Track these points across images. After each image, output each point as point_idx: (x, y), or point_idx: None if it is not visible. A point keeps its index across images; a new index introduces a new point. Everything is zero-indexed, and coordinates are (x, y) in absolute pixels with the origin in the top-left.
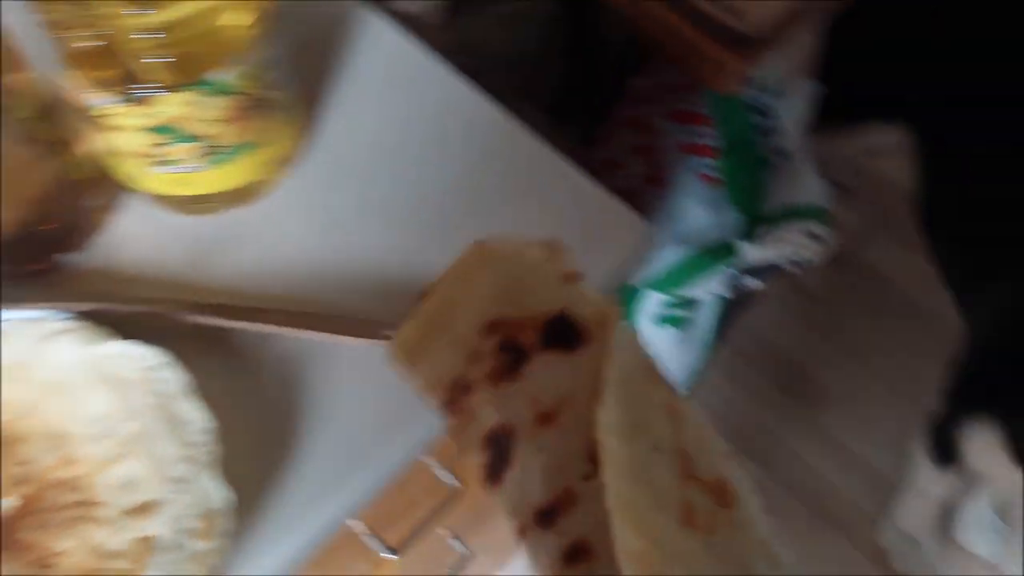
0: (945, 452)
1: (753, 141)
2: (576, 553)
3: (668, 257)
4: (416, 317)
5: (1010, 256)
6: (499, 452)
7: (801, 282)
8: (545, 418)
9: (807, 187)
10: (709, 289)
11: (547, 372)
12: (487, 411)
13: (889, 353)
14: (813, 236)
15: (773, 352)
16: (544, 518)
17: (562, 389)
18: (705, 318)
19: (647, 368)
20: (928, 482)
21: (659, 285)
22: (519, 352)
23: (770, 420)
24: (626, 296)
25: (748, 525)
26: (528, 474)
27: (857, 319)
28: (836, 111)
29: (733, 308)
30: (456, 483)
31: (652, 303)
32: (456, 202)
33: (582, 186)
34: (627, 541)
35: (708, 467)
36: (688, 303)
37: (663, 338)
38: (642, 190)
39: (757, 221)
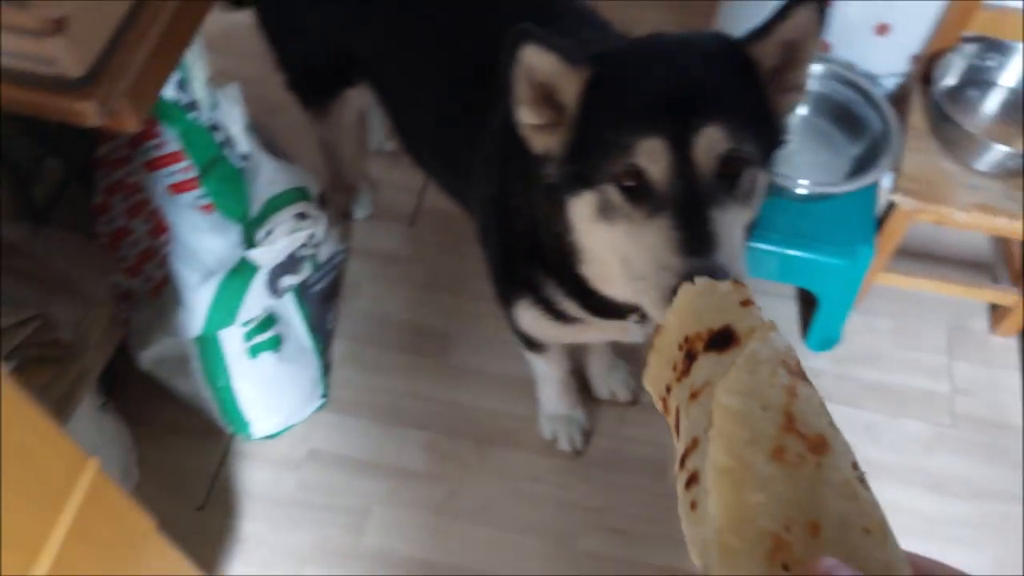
0: (527, 339)
1: (222, 156)
2: (691, 481)
3: (206, 294)
4: (653, 350)
5: (460, 161)
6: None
7: (391, 251)
8: (693, 396)
9: (276, 177)
10: (263, 304)
11: (703, 366)
12: (673, 403)
13: (479, 274)
14: (302, 216)
15: (387, 324)
16: (682, 461)
17: (707, 375)
18: (296, 327)
19: (783, 363)
20: (543, 367)
21: (219, 322)
22: (692, 356)
23: (411, 385)
24: (205, 348)
25: (833, 469)
26: (681, 437)
27: (446, 257)
28: (311, 91)
29: (319, 305)
30: None
31: (232, 341)
32: None
33: None
34: (718, 459)
35: (813, 428)
36: (268, 323)
37: (267, 366)
38: (153, 246)
39: (253, 227)
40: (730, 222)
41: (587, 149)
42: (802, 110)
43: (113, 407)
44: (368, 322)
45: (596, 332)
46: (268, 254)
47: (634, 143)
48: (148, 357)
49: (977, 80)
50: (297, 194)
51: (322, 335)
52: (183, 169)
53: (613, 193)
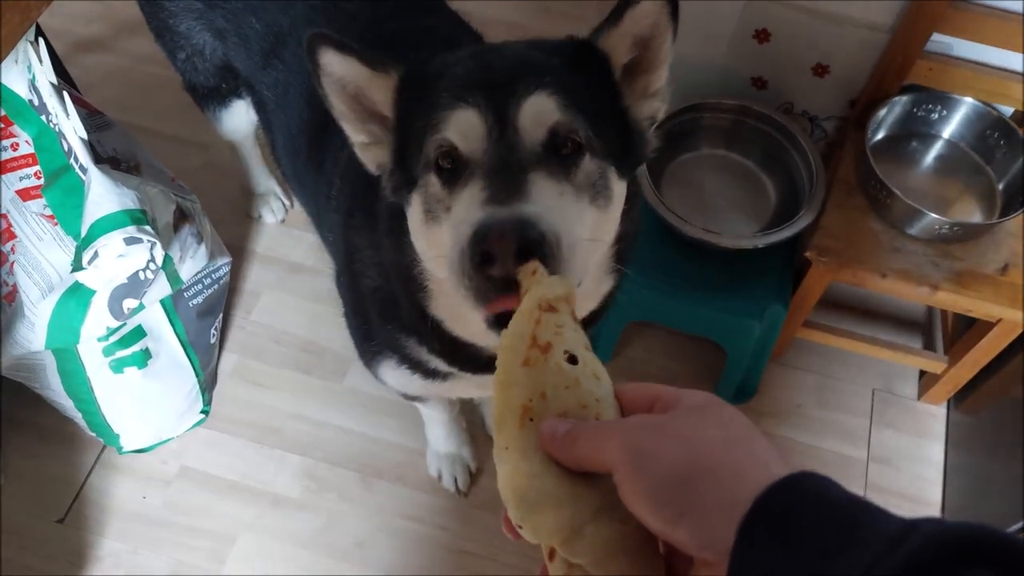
0: (401, 393)
1: (69, 166)
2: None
3: (45, 310)
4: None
5: (318, 201)
6: None
7: (297, 260)
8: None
9: (105, 197)
10: (107, 324)
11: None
12: None
13: None
14: (133, 240)
15: (282, 339)
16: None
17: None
18: (168, 342)
19: (538, 306)
20: (427, 411)
21: (61, 339)
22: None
23: (299, 407)
24: (63, 361)
25: (552, 359)
26: None
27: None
28: (202, 96)
29: (197, 320)
30: None
31: (91, 356)
32: None
33: None
34: (496, 376)
35: (544, 339)
36: (132, 337)
37: (133, 381)
38: (5, 252)
39: (82, 247)
40: (554, 189)
41: (408, 148)
42: (727, 148)
43: None
44: (262, 335)
45: (472, 388)
46: (96, 278)
47: (444, 118)
48: (5, 361)
49: (918, 132)
50: (126, 217)
51: (201, 350)
52: (34, 175)
53: (433, 183)
